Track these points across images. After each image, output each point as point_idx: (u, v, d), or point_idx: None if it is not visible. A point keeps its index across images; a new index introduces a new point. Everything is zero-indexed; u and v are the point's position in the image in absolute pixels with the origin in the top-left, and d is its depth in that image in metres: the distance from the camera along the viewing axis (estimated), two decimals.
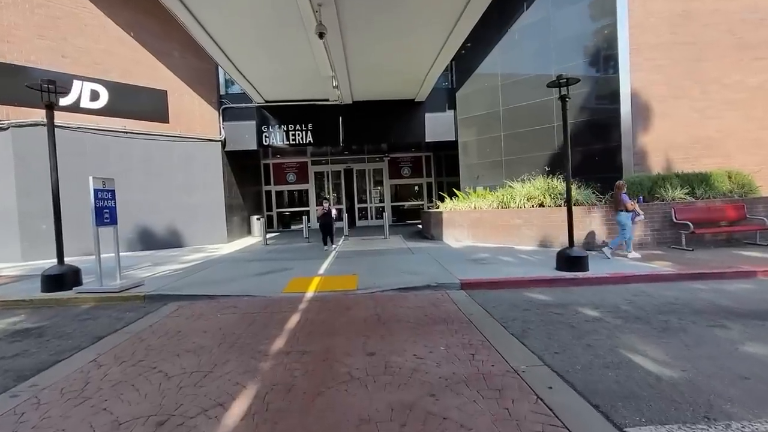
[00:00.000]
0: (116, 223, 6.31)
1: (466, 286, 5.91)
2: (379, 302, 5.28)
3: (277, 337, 4.03)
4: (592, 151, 10.91)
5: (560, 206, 9.23)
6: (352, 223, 18.92)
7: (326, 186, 19.24)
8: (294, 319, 4.62)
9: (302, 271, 7.48)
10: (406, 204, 19.43)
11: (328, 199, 11.04)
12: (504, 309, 4.85)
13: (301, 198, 19.44)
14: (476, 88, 13.27)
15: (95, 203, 5.87)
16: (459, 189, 13.15)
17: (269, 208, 18.89)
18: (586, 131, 10.99)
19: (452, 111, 14.21)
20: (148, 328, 4.49)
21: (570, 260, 6.43)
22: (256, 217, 15.92)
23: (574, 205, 9.22)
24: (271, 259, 9.17)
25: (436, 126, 14.33)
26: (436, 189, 18.83)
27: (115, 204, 6.27)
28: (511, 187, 10.70)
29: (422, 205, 19.10)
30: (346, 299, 5.49)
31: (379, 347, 3.67)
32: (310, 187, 19.08)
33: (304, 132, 14.16)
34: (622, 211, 7.52)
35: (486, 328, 4.12)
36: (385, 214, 12.95)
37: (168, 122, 12.41)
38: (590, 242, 8.61)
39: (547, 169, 11.17)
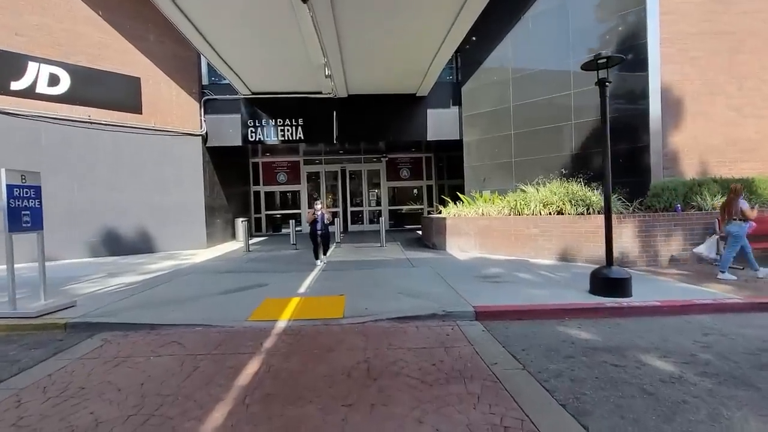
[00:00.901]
0: (41, 228, 5.02)
1: (482, 315, 4.65)
2: (371, 339, 4.01)
3: (219, 404, 2.75)
4: (615, 152, 9.63)
5: (583, 214, 8.02)
6: (345, 228, 17.66)
7: (321, 187, 17.98)
8: (251, 368, 3.34)
9: (280, 287, 6.20)
10: (405, 208, 18.21)
11: (321, 201, 8.86)
12: (539, 355, 3.58)
13: (293, 199, 18.18)
14: (484, 82, 12.07)
15: (9, 202, 4.57)
16: (463, 192, 11.92)
17: (257, 210, 17.59)
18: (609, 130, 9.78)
19: (457, 107, 13.00)
20: (43, 381, 3.20)
21: (609, 283, 5.18)
22: (240, 219, 14.60)
23: (599, 213, 8.03)
24: (248, 271, 7.88)
25: (439, 123, 13.11)
26: (437, 192, 17.61)
27: (40, 204, 4.98)
28: (523, 191, 9.49)
29: (421, 209, 17.88)
30: (328, 333, 4.21)
31: (367, 430, 2.40)
32: (302, 188, 17.81)
33: (294, 127, 12.91)
34: (735, 219, 6.10)
35: (521, 392, 2.86)
36: (382, 219, 11.70)
37: (141, 113, 11.12)
38: (618, 258, 7.35)
39: (564, 171, 9.96)
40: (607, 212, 5.47)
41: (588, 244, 7.72)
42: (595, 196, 8.30)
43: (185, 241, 11.83)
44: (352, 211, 18.20)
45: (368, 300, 5.29)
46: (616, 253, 7.35)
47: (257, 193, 17.53)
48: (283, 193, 18.13)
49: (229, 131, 12.78)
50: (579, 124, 10.21)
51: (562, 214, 8.37)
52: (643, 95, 9.29)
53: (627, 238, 7.40)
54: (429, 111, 13.11)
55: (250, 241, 14.35)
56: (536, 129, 11.01)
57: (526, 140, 11.24)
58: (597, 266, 5.60)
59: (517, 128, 11.38)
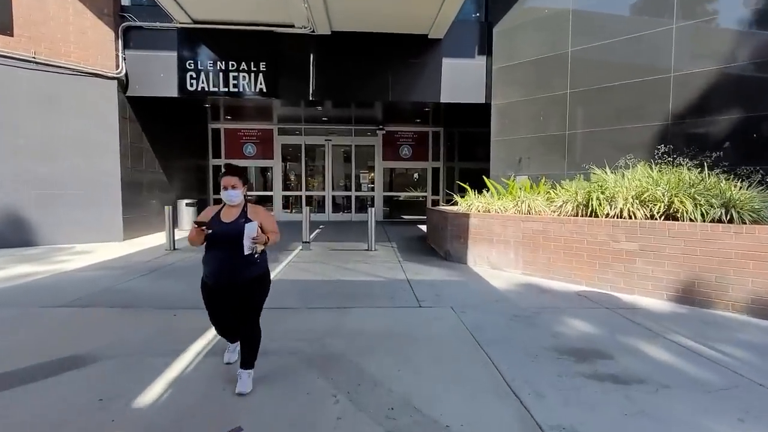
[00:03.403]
0: None
1: None
2: None
3: None
4: (753, 122, 6.15)
5: (721, 220, 4.47)
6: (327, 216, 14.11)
7: (302, 162, 14.31)
8: None
9: (126, 369, 2.66)
10: (403, 195, 14.63)
11: (240, 179, 2.53)
12: None
13: (264, 178, 14.54)
14: (527, 19, 8.34)
15: None
16: (487, 177, 8.31)
17: (217, 190, 13.84)
18: (738, 88, 6.21)
19: (484, 57, 9.27)
20: None
21: None
22: (185, 202, 10.97)
23: (757, 223, 4.50)
24: (118, 305, 4.31)
25: (459, 79, 9.37)
26: (445, 177, 13.98)
27: None
28: (587, 178, 5.98)
29: (424, 197, 14.33)
30: None
31: None
32: (276, 163, 14.09)
33: (253, 74, 9.13)
34: None
35: None
36: (372, 211, 8.09)
37: (11, 34, 7.31)
38: None
39: (661, 149, 6.36)
40: None
41: (742, 277, 4.19)
42: (739, 191, 4.76)
43: (89, 230, 8.21)
44: (340, 197, 14.62)
45: None
46: None
47: (217, 168, 13.80)
48: (256, 170, 14.46)
49: (161, 76, 8.97)
50: (683, 77, 6.57)
51: (676, 219, 4.84)
52: None
53: None
54: (445, 61, 9.35)
55: None
56: (606, 86, 7.37)
57: (589, 103, 7.61)
58: None
59: (575, 85, 7.73)
